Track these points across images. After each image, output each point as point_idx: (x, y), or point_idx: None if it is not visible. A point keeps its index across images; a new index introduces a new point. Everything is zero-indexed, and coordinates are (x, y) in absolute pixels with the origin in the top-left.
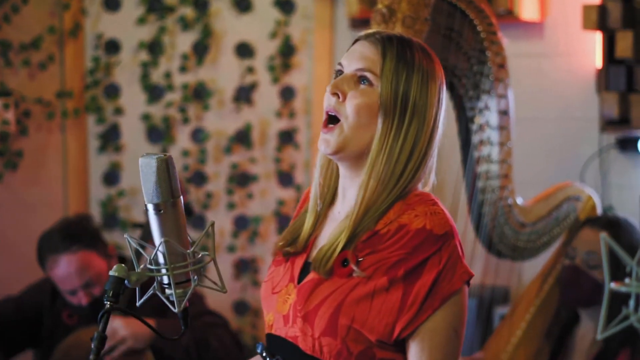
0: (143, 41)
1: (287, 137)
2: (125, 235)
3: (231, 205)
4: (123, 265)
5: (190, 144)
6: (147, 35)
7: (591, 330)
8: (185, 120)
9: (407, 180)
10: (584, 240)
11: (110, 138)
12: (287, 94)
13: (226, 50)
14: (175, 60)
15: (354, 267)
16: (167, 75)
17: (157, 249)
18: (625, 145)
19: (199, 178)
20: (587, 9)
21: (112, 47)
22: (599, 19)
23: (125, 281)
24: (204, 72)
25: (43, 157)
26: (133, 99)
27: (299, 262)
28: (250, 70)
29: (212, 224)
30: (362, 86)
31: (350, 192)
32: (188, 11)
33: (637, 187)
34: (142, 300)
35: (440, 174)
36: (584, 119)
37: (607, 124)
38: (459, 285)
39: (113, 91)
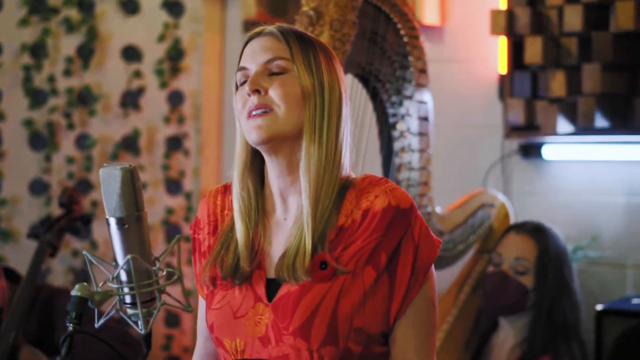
0: (25, 43)
1: (175, 144)
2: (84, 252)
3: None
4: (85, 284)
5: (75, 150)
6: (29, 37)
7: (511, 336)
8: (70, 126)
9: (340, 160)
10: (511, 246)
11: None
12: (176, 98)
13: (112, 54)
14: (59, 63)
15: (337, 266)
16: (51, 79)
17: (122, 266)
18: (529, 151)
19: (85, 186)
20: (495, 14)
21: None
22: (507, 25)
23: (89, 302)
24: (89, 76)
25: None
26: (14, 104)
27: (259, 281)
28: (138, 74)
29: (178, 239)
30: (276, 77)
31: (291, 192)
32: (73, 13)
33: (539, 194)
34: (102, 321)
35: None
36: (486, 126)
37: (512, 130)
38: (435, 254)
39: None
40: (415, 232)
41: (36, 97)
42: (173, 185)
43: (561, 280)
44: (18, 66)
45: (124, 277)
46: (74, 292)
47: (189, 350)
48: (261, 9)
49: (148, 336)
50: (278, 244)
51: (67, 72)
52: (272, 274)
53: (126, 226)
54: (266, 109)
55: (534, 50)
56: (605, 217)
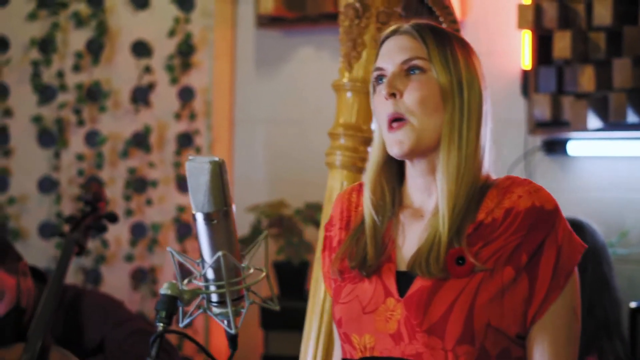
0: (34, 38)
1: (186, 140)
2: (168, 249)
3: (129, 212)
4: (175, 282)
5: (85, 147)
6: (38, 32)
7: None
8: (80, 123)
9: (480, 159)
10: None
11: None
12: (187, 94)
13: (122, 49)
14: (68, 58)
15: (476, 263)
16: (60, 74)
17: (211, 264)
18: (553, 147)
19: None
20: (522, 8)
21: (0, 44)
22: (534, 19)
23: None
24: (99, 71)
25: None
26: (23, 100)
27: (389, 274)
28: (148, 69)
29: (266, 236)
30: (413, 77)
31: (429, 190)
32: (82, 7)
33: (565, 191)
34: (187, 320)
35: None
36: (508, 121)
37: (538, 126)
38: (577, 258)
39: (1, 91)
40: (559, 234)
41: (45, 93)
42: (184, 183)
43: (600, 276)
44: (26, 61)
45: (211, 274)
46: (163, 291)
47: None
48: (278, 3)
49: (235, 336)
50: (412, 238)
51: (77, 68)
52: (402, 267)
53: (214, 222)
54: (402, 118)
55: (562, 44)
56: (633, 214)
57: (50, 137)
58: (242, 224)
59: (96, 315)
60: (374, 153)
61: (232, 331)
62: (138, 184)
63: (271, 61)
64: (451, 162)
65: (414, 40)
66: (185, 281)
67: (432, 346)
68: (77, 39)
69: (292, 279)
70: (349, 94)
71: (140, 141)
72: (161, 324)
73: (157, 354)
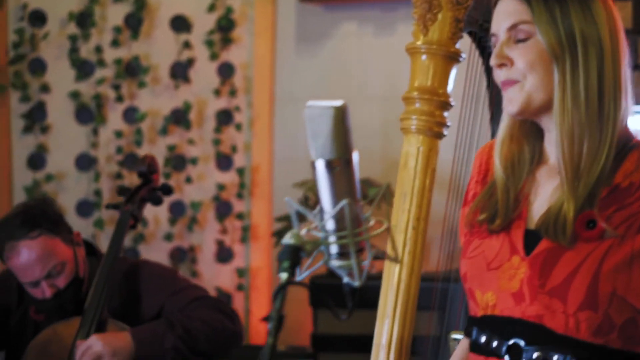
0: (72, 12)
1: (226, 117)
2: (286, 199)
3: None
4: (297, 231)
5: (124, 124)
6: (76, 5)
7: None
8: (118, 99)
9: (611, 118)
10: None
11: (36, 118)
12: (226, 71)
13: (161, 24)
14: (106, 33)
15: (607, 227)
16: (98, 49)
17: (334, 213)
18: None
19: (133, 161)
20: None
21: (38, 18)
22: None
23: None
24: (137, 46)
25: None
26: (60, 76)
27: (517, 231)
28: (187, 45)
29: (387, 186)
30: (520, 44)
31: (553, 149)
32: None
33: None
34: (306, 273)
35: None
36: None
37: None
38: None
39: (39, 66)
40: None
41: (83, 69)
42: (224, 161)
43: None
44: (64, 36)
45: (331, 225)
46: (286, 241)
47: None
48: None
49: (355, 290)
50: (544, 197)
51: (115, 43)
52: (532, 226)
53: (336, 169)
54: (514, 80)
55: (623, 14)
56: None
57: (88, 114)
58: (293, 194)
59: (153, 285)
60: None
61: (356, 283)
62: (177, 162)
63: (313, 37)
64: (565, 124)
65: (519, 3)
66: (304, 231)
67: (553, 309)
68: (116, 13)
69: None
70: (424, 57)
71: (179, 118)
72: (285, 274)
73: (282, 307)
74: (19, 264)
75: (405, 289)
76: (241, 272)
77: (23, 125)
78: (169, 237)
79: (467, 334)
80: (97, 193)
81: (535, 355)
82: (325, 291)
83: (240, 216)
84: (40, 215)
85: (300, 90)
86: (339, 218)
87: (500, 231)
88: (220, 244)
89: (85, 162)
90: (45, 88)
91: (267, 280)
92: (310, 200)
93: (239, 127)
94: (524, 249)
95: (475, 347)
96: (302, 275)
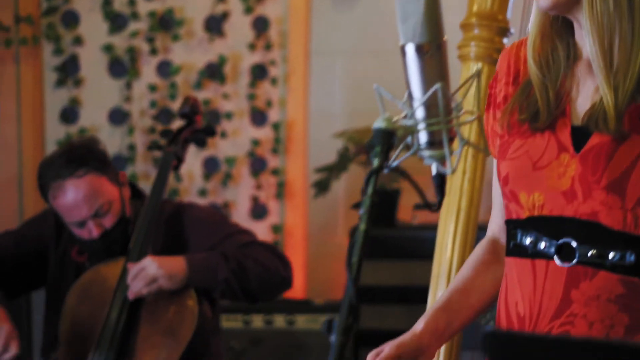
0: None
1: (261, 72)
2: (374, 86)
3: None
4: (389, 115)
5: (157, 78)
6: None
7: None
8: (152, 52)
9: None
10: None
11: (69, 71)
12: (261, 24)
13: None
14: None
15: None
16: (132, 2)
17: (424, 99)
18: None
19: (167, 115)
20: None
21: None
22: None
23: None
24: None
25: None
26: (93, 28)
27: (563, 128)
28: None
29: (478, 72)
30: None
31: (586, 44)
32: None
33: None
34: (396, 163)
35: None
36: None
37: None
38: None
39: (72, 19)
40: None
41: (116, 21)
42: (259, 116)
43: None
44: None
45: (420, 113)
46: (377, 125)
47: None
48: None
49: (444, 180)
50: (587, 92)
51: None
52: (577, 122)
53: (427, 54)
54: None
55: None
56: None
57: (122, 67)
58: (328, 151)
59: (201, 228)
60: (536, 4)
61: (448, 171)
62: (211, 116)
63: None
64: (594, 15)
65: None
66: (394, 119)
67: (610, 205)
68: None
69: (384, 207)
70: None
71: (213, 72)
72: (377, 160)
73: (371, 195)
74: (66, 204)
75: (465, 217)
76: (276, 229)
77: (56, 78)
78: (203, 192)
79: (509, 236)
80: (131, 148)
81: (590, 253)
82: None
83: (275, 172)
84: (86, 154)
85: (335, 44)
86: (429, 105)
87: (544, 130)
88: (254, 200)
89: (118, 116)
90: (78, 41)
91: (302, 237)
92: (350, 151)
93: (274, 81)
94: (572, 145)
95: (517, 250)
96: (392, 164)
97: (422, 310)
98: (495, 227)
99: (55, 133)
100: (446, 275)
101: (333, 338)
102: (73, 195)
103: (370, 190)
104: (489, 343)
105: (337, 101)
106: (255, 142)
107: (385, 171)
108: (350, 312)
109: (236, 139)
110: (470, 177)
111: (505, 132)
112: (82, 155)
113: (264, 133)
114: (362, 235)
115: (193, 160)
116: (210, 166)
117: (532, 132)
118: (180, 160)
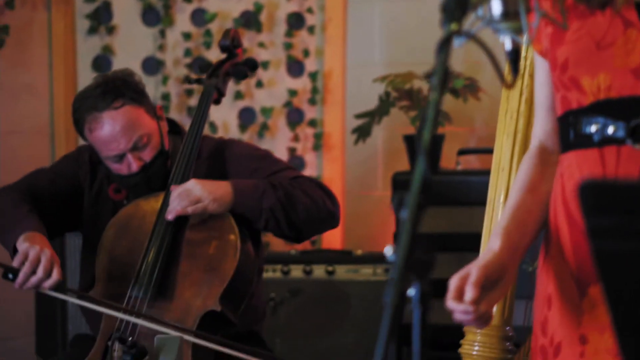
0: None
1: (298, 20)
2: None
3: (238, 95)
4: None
5: (192, 26)
6: None
7: None
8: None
9: None
10: None
11: (101, 18)
12: None
13: None
14: None
15: None
16: None
17: None
18: None
19: (202, 64)
20: None
21: None
22: None
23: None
24: None
25: (28, 36)
26: None
27: (627, 4)
28: None
29: None
30: None
31: None
32: None
33: None
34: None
35: None
36: None
37: None
38: None
39: None
40: None
41: None
42: (295, 66)
43: None
44: None
45: None
46: None
47: None
48: None
49: (518, 54)
50: None
51: None
52: None
53: None
54: None
55: None
56: None
57: (155, 15)
58: (367, 102)
59: (246, 164)
60: None
61: (525, 43)
62: None
63: None
64: None
65: None
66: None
67: None
68: None
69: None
70: None
71: (249, 20)
72: (452, 25)
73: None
74: (103, 137)
75: (522, 139)
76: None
77: (88, 25)
78: None
79: (567, 130)
80: (165, 97)
81: None
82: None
83: (312, 123)
84: (122, 85)
85: None
86: None
87: (604, 7)
88: (291, 152)
89: (152, 65)
90: None
91: (340, 189)
92: (391, 96)
93: (311, 30)
94: (639, 19)
95: (579, 141)
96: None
97: (467, 257)
98: (541, 132)
99: (87, 81)
100: (503, 198)
101: (404, 214)
102: (110, 127)
103: (442, 58)
104: (585, 194)
105: (376, 50)
106: (292, 93)
107: (459, 41)
108: (423, 188)
109: (272, 89)
110: (527, 97)
111: (560, 16)
112: (118, 87)
113: (301, 83)
114: (433, 105)
115: (228, 111)
116: (246, 117)
117: (590, 12)
118: (220, 93)
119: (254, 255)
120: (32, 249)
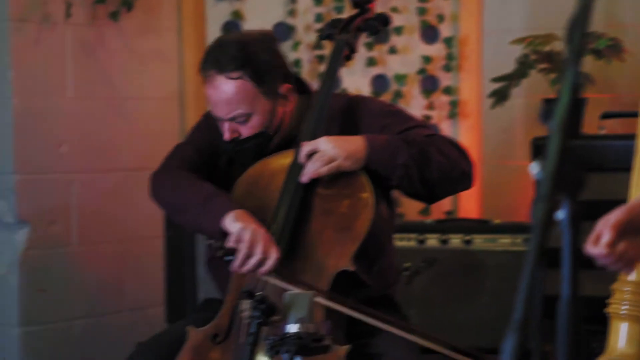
0: None
1: None
2: None
3: (370, 62)
4: None
5: None
6: None
7: None
8: None
9: None
10: None
11: None
12: None
13: None
14: None
15: None
16: None
17: None
18: None
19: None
20: None
21: None
22: None
23: None
24: None
25: (157, 2)
26: None
27: None
28: None
29: None
30: None
31: None
32: None
33: None
34: None
35: None
36: None
37: None
38: None
39: None
40: None
41: None
42: (430, 31)
43: None
44: None
45: None
46: None
47: None
48: None
49: None
50: None
51: None
52: None
53: None
54: None
55: None
56: None
57: None
58: (504, 69)
59: (379, 121)
60: None
61: None
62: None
63: None
64: None
65: None
66: None
67: None
68: None
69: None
70: None
71: None
72: None
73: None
74: (210, 95)
75: None
76: None
77: None
78: None
79: None
80: (296, 63)
81: None
82: None
83: (447, 91)
84: (252, 56)
85: None
86: None
87: None
88: (426, 120)
89: (282, 31)
90: None
91: (477, 158)
92: (531, 57)
93: None
94: None
95: None
96: None
97: None
98: None
99: None
100: None
101: (552, 126)
102: (217, 92)
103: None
104: None
105: (514, 16)
106: (427, 59)
107: None
108: (574, 92)
109: (406, 55)
110: None
111: None
112: (247, 57)
113: (436, 49)
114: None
115: (361, 78)
116: (379, 84)
117: None
118: (352, 49)
119: (387, 214)
120: (246, 231)
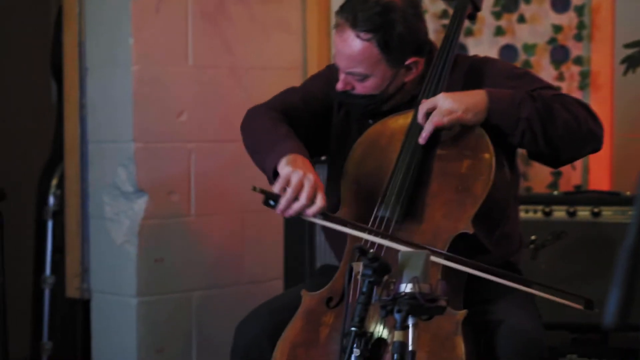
0: None
1: None
2: None
3: (498, 31)
4: None
5: None
6: None
7: None
8: None
9: None
10: None
11: None
12: None
13: None
14: None
15: None
16: None
17: None
18: None
19: None
20: None
21: None
22: None
23: None
24: None
25: None
26: None
27: None
28: None
29: None
30: None
31: None
32: None
33: None
34: None
35: None
36: None
37: None
38: None
39: None
40: None
41: None
42: (560, 0)
43: None
44: None
45: None
46: None
47: None
48: None
49: None
50: None
51: None
52: None
53: None
54: None
55: None
56: None
57: None
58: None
59: (505, 81)
60: None
61: None
62: (509, 0)
63: None
64: None
65: None
66: None
67: None
68: None
69: None
70: None
71: None
72: None
73: None
74: (336, 42)
75: None
76: None
77: None
78: None
79: None
80: None
81: None
82: None
83: (578, 61)
84: (389, 25)
85: None
86: None
87: None
88: None
89: None
90: None
91: (608, 132)
92: None
93: None
94: None
95: None
96: None
97: None
98: None
99: None
100: None
101: None
102: (344, 44)
103: None
104: None
105: None
106: (557, 29)
107: None
108: None
109: (535, 25)
110: None
111: None
112: (383, 23)
113: (567, 19)
114: None
115: (488, 47)
116: (507, 54)
117: None
118: (476, 7)
119: (510, 178)
120: (294, 174)
